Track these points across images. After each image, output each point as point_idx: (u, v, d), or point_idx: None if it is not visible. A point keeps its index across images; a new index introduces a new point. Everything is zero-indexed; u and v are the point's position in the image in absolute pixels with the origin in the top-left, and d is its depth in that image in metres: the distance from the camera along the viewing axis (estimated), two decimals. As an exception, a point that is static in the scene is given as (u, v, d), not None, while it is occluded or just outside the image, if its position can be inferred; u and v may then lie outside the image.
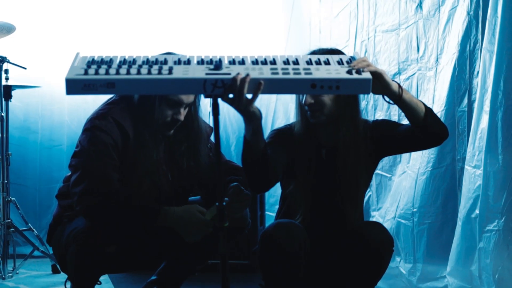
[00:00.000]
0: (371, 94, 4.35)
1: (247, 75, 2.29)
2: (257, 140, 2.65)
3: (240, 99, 2.35)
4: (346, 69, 2.36)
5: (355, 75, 2.32)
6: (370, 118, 4.19)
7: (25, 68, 4.77)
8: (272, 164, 2.80)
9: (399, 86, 2.62)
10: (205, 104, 3.45)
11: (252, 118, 2.55)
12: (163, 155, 3.14)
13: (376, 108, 4.35)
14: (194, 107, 3.17)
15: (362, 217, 3.12)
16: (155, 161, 3.07)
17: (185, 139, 3.18)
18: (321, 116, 2.95)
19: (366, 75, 2.34)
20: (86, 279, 3.03)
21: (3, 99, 4.60)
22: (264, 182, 2.83)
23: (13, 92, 4.71)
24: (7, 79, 4.60)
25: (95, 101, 5.59)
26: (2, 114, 4.59)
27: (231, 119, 6.00)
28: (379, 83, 2.53)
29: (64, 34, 5.64)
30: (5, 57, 4.57)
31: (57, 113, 5.72)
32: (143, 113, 3.04)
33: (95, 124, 2.98)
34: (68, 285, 3.18)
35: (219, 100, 2.37)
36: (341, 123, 2.97)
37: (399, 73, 4.19)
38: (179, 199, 3.18)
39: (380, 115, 4.26)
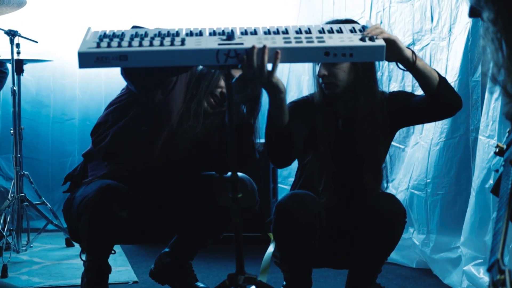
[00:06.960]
0: (386, 65, 4.33)
1: (264, 46, 2.29)
2: (281, 115, 2.64)
3: (262, 72, 2.35)
4: (359, 36, 2.36)
5: (368, 42, 2.32)
6: (385, 89, 4.16)
7: (36, 42, 4.76)
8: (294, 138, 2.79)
9: (413, 52, 2.61)
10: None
11: (275, 91, 2.54)
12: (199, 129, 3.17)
13: (391, 79, 4.33)
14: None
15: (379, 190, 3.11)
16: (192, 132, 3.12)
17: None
18: (335, 88, 2.91)
19: (380, 42, 2.34)
20: (100, 247, 3.04)
21: (15, 73, 4.61)
22: (287, 157, 2.84)
23: (25, 66, 4.71)
24: (18, 53, 4.59)
25: (107, 75, 5.61)
26: (14, 88, 4.59)
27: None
28: (392, 50, 2.51)
29: (75, 8, 5.65)
30: (17, 31, 4.56)
31: (69, 87, 5.74)
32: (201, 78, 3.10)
33: None
34: (84, 257, 3.20)
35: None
36: (359, 93, 2.93)
37: (413, 43, 4.15)
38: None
39: (394, 86, 4.23)
